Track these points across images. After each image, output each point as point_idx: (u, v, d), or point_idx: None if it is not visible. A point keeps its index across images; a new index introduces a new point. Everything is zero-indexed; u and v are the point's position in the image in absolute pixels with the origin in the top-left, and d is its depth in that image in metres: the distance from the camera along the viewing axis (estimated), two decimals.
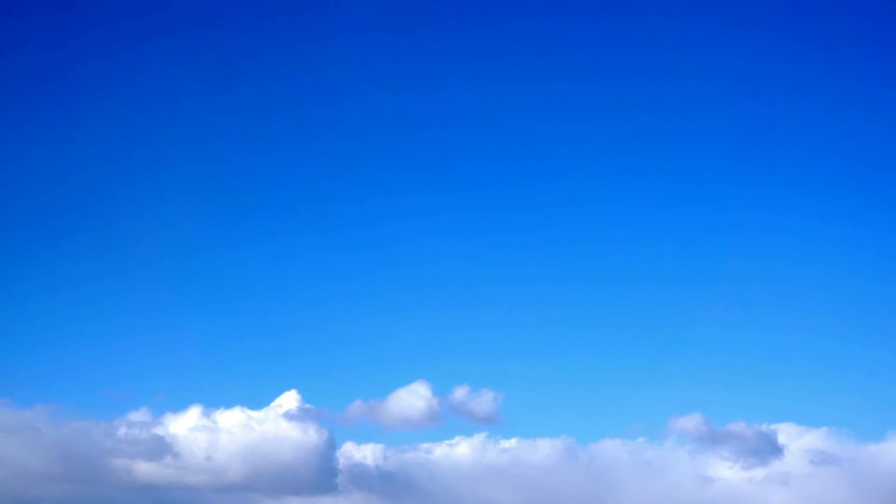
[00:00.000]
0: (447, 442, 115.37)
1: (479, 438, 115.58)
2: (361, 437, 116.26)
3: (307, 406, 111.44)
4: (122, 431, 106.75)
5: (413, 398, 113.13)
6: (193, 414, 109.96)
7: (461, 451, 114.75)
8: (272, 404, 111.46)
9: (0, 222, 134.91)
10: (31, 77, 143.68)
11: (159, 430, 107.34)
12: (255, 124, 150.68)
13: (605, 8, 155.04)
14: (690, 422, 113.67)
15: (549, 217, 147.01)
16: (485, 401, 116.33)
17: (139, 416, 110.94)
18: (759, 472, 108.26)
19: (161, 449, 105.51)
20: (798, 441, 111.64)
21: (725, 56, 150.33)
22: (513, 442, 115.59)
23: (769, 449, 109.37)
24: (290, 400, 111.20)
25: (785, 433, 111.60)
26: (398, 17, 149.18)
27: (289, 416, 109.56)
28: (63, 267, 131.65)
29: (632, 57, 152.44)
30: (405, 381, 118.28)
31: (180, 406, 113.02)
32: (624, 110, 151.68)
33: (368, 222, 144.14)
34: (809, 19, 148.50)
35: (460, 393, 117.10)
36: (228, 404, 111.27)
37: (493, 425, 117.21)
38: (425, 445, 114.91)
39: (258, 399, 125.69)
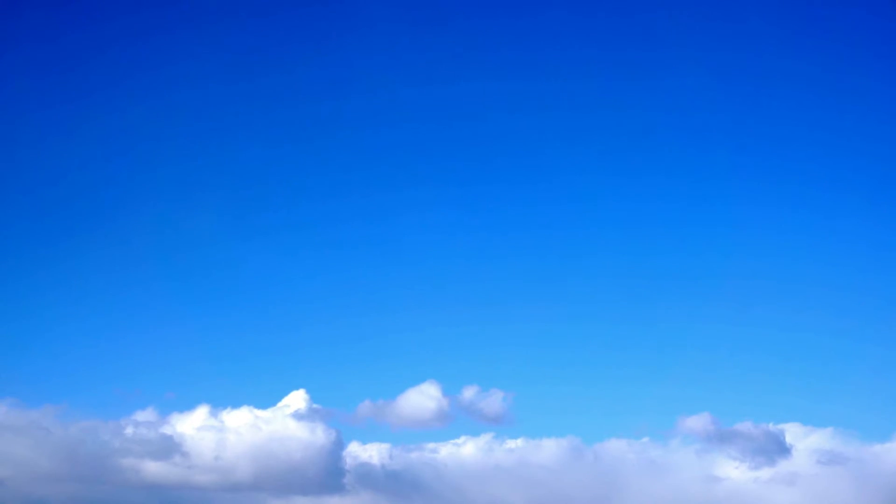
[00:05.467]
0: (453, 441, 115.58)
1: (485, 438, 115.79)
2: (368, 437, 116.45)
3: (315, 406, 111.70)
4: (130, 431, 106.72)
5: (423, 398, 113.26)
6: (201, 413, 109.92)
7: (467, 450, 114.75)
8: (280, 404, 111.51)
9: (5, 221, 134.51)
10: (34, 70, 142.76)
11: (167, 430, 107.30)
12: (264, 119, 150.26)
13: (608, 5, 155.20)
14: (697, 421, 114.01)
15: (557, 216, 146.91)
16: (494, 401, 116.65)
17: (146, 415, 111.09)
18: (766, 472, 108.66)
19: (169, 448, 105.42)
20: (805, 441, 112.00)
21: (726, 51, 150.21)
22: (519, 442, 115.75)
23: (776, 449, 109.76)
24: (298, 400, 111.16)
25: (792, 433, 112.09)
26: (403, 13, 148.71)
27: (297, 415, 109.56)
28: (70, 266, 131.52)
29: (636, 53, 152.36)
30: (414, 381, 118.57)
31: (188, 405, 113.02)
32: (630, 107, 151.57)
33: (377, 220, 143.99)
34: (811, 13, 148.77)
35: (469, 393, 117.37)
36: (236, 404, 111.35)
37: (501, 425, 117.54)
38: (431, 445, 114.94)
39: (266, 399, 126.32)
